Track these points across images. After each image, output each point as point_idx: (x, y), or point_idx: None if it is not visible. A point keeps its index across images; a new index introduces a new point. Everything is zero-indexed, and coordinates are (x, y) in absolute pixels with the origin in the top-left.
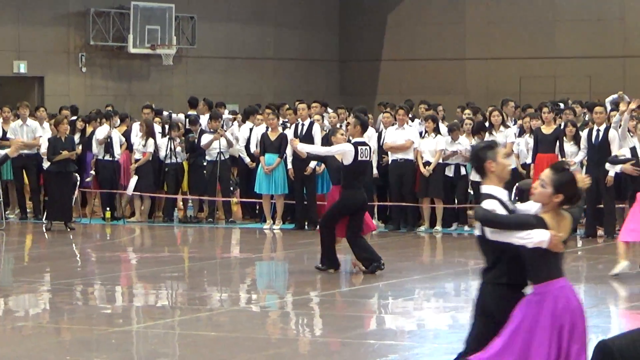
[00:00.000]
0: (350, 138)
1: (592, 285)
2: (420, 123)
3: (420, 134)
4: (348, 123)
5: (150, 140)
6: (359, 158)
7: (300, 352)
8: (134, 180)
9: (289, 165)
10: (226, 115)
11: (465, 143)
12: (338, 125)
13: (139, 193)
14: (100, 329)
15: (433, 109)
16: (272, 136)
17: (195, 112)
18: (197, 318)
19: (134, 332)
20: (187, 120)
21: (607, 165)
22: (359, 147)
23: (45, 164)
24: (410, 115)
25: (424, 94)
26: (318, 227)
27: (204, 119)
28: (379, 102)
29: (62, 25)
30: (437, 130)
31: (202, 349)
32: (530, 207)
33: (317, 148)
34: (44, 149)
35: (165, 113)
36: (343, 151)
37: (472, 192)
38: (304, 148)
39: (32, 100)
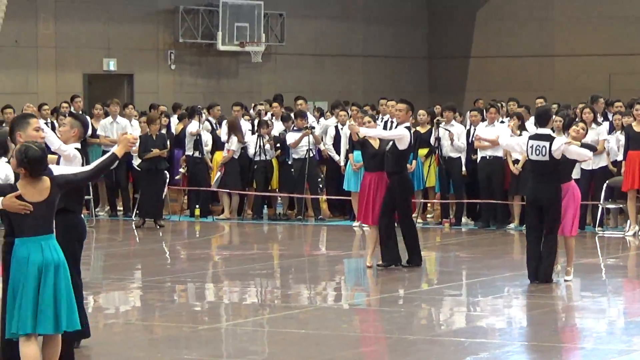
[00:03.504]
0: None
1: None
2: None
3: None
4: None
5: (234, 138)
6: (412, 142)
7: (389, 349)
8: (217, 176)
9: None
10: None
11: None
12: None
13: (226, 190)
14: (190, 326)
15: (525, 107)
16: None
17: (283, 109)
18: (286, 316)
19: (223, 330)
20: (280, 117)
21: None
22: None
23: (135, 161)
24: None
25: (513, 91)
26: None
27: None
28: (476, 99)
29: (151, 23)
30: (522, 128)
31: (290, 346)
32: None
33: (378, 132)
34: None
35: (252, 111)
36: (402, 135)
37: None
38: (367, 132)
39: (122, 98)
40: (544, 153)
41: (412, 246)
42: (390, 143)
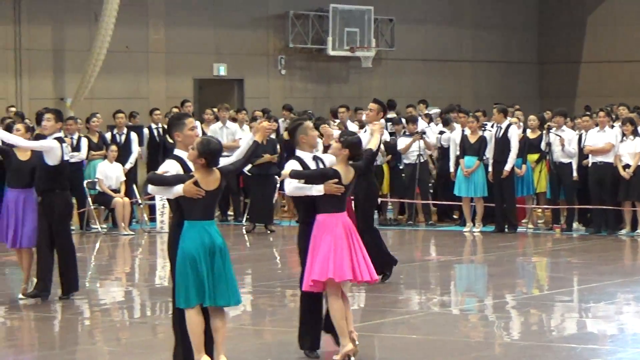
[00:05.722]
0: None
1: None
2: (619, 126)
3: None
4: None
5: None
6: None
7: (500, 355)
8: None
9: (489, 168)
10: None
11: None
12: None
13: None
14: None
15: (636, 111)
16: (472, 139)
17: (395, 115)
18: (396, 321)
19: (330, 335)
20: (391, 122)
21: None
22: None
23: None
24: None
25: (625, 96)
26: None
27: None
28: (586, 105)
29: (261, 28)
30: (635, 133)
31: (401, 352)
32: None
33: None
34: None
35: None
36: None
37: None
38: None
39: (232, 103)
40: None
41: None
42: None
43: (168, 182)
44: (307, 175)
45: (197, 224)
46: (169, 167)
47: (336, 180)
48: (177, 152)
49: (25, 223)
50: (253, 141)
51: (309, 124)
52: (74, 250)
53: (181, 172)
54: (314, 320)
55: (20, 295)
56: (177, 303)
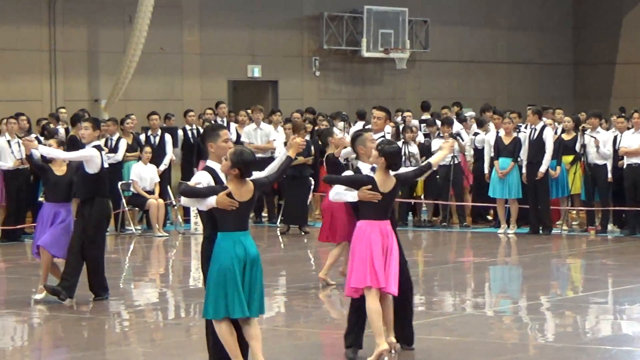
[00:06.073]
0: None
1: None
2: None
3: None
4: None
5: None
6: None
7: (535, 357)
8: None
9: (523, 169)
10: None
11: None
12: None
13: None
14: (334, 332)
15: None
16: (506, 140)
17: (430, 116)
18: (431, 322)
19: (367, 336)
20: (425, 123)
21: None
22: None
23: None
24: None
25: None
26: None
27: None
28: (621, 107)
29: (295, 30)
30: None
31: (435, 353)
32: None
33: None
34: (277, 152)
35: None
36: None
37: None
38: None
39: (266, 104)
40: None
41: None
42: None
43: (201, 193)
44: (339, 181)
45: (231, 235)
46: (201, 179)
47: (370, 186)
48: (209, 163)
49: (52, 229)
50: (287, 156)
51: (369, 135)
52: (103, 257)
53: (212, 183)
54: (355, 320)
55: (37, 296)
56: (204, 314)
